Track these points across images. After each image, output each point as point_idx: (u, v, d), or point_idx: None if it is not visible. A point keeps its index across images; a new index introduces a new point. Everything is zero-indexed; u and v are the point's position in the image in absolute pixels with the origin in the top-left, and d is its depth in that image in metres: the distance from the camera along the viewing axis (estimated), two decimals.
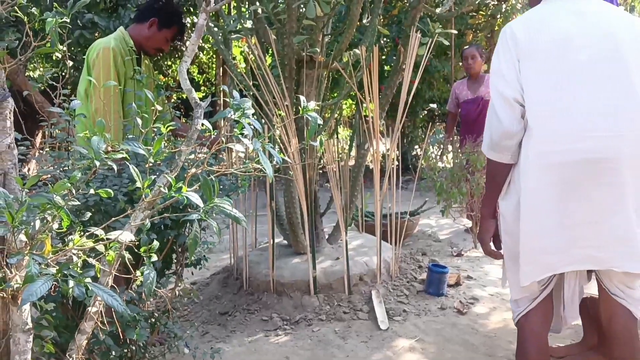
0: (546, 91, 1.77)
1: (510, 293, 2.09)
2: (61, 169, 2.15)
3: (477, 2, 6.94)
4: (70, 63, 2.21)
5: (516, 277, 1.91)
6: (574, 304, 2.12)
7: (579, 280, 2.09)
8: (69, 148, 2.40)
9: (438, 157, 5.50)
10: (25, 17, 1.63)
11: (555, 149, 1.74)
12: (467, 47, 5.30)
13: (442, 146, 5.55)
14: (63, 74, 2.17)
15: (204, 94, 14.01)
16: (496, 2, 6.97)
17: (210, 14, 1.95)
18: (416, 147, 9.66)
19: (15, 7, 1.58)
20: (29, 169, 6.99)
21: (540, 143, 1.76)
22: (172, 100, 3.16)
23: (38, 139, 7.36)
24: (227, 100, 1.57)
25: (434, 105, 9.21)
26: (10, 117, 1.53)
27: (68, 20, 1.48)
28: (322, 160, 3.97)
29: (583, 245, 1.78)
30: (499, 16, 7.01)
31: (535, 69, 1.79)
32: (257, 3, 3.43)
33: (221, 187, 2.46)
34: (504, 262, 2.10)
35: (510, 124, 1.79)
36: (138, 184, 1.41)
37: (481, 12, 7.35)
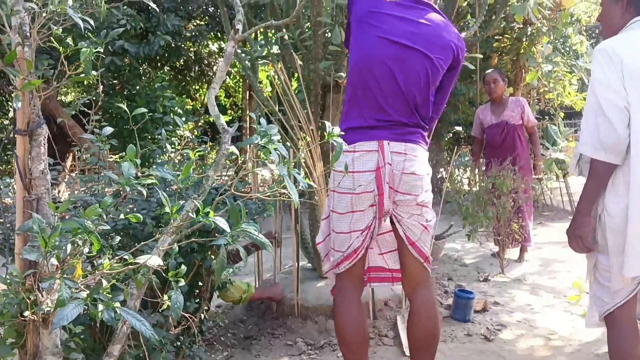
0: None
1: (605, 289, 2.18)
2: (92, 193, 2.19)
3: (502, 26, 6.96)
4: (100, 88, 2.27)
5: (621, 269, 2.07)
6: None
7: None
8: (99, 172, 2.45)
9: (468, 179, 5.45)
10: (60, 46, 1.69)
11: None
12: (488, 71, 5.27)
13: (469, 170, 5.50)
14: (94, 99, 2.23)
15: (230, 117, 14.18)
16: (521, 26, 6.94)
17: (238, 41, 1.99)
18: (441, 169, 9.60)
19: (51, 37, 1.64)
20: (59, 191, 7.12)
21: None
22: (200, 125, 3.22)
23: (68, 162, 7.51)
24: (254, 125, 1.59)
25: (459, 128, 9.17)
26: (44, 144, 1.57)
27: (102, 50, 1.52)
28: None
29: None
30: (524, 39, 6.98)
31: (638, 87, 2.01)
32: (284, 29, 3.48)
33: (247, 210, 2.48)
34: (590, 257, 2.26)
35: (623, 130, 1.99)
36: (167, 209, 1.43)
37: (506, 36, 7.32)
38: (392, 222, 2.35)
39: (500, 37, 7.39)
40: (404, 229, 2.29)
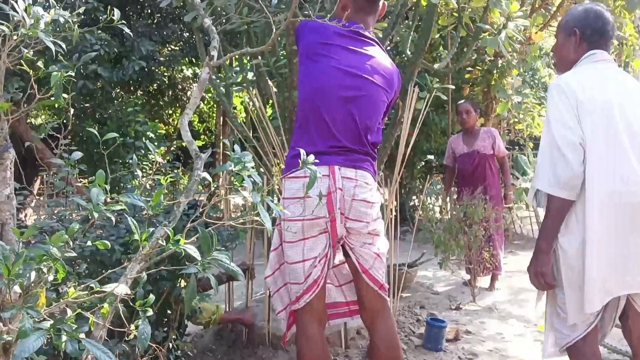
0: (602, 145, 2.05)
1: (564, 321, 2.18)
2: (59, 219, 2.14)
3: (473, 58, 7.10)
4: (71, 111, 2.23)
5: (578, 304, 2.09)
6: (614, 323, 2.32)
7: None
8: (67, 196, 2.40)
9: (440, 208, 5.48)
10: (30, 70, 1.66)
11: (614, 189, 2.03)
12: (461, 102, 5.36)
13: (440, 199, 5.55)
14: (64, 122, 2.19)
15: (203, 143, 14.12)
16: (492, 58, 7.10)
17: (213, 67, 1.99)
18: (414, 197, 9.66)
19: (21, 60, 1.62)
20: (25, 215, 6.96)
21: (600, 185, 2.03)
22: (172, 150, 3.19)
23: (36, 185, 7.36)
24: (227, 152, 1.58)
25: (432, 157, 9.28)
26: (10, 168, 1.54)
27: (73, 74, 1.50)
28: None
29: (635, 273, 2.07)
30: (495, 71, 7.14)
31: (594, 122, 2.06)
32: (259, 57, 3.49)
33: (219, 237, 2.45)
34: (547, 293, 2.30)
35: (578, 166, 2.03)
36: (136, 236, 1.40)
37: (478, 68, 7.48)
38: (345, 252, 2.34)
39: (472, 69, 7.55)
40: (356, 257, 2.29)
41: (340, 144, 2.24)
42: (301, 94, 2.34)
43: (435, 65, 3.94)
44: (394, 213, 3.62)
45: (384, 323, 2.33)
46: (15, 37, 1.56)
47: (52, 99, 1.56)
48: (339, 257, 2.40)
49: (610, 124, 2.07)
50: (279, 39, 3.68)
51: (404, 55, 3.75)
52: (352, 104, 2.25)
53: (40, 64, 1.57)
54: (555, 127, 2.09)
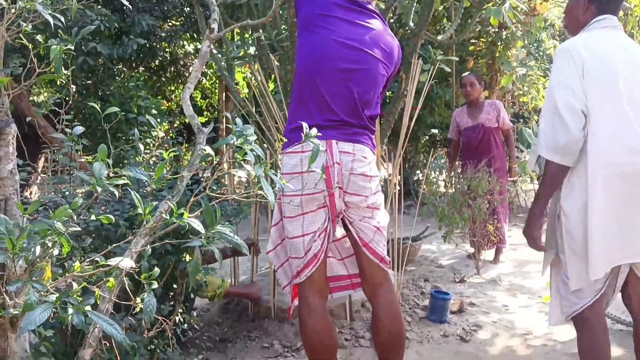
0: (608, 114, 2.03)
1: (569, 285, 2.18)
2: (62, 195, 2.14)
3: (477, 30, 7.02)
4: (73, 88, 2.22)
5: (581, 270, 2.11)
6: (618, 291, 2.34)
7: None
8: (71, 173, 2.40)
9: (444, 182, 5.48)
10: (30, 44, 1.64)
11: (620, 160, 2.02)
12: (465, 74, 5.31)
13: (444, 172, 5.54)
14: (66, 99, 2.18)
15: (206, 119, 14.07)
16: (496, 30, 7.02)
17: (214, 40, 1.97)
18: (418, 172, 9.65)
19: (20, 35, 1.60)
20: (30, 193, 6.98)
21: (606, 155, 2.03)
22: (175, 125, 3.18)
23: (41, 163, 7.36)
24: (230, 126, 1.57)
25: (436, 131, 9.23)
26: (13, 143, 1.53)
27: (72, 48, 1.49)
28: None
29: (637, 242, 2.09)
30: (499, 43, 7.06)
31: (600, 90, 2.04)
32: (260, 30, 3.46)
33: (223, 212, 2.45)
34: (547, 255, 2.33)
35: (577, 132, 2.01)
36: (139, 210, 1.40)
37: (482, 39, 7.39)
38: (345, 226, 2.35)
39: (476, 41, 7.47)
40: (356, 231, 2.29)
41: (337, 117, 2.22)
42: (298, 66, 2.32)
43: (439, 37, 3.90)
44: (397, 187, 3.62)
45: (385, 295, 2.34)
46: (13, 11, 1.54)
47: (53, 73, 1.55)
48: (340, 231, 2.40)
49: (616, 93, 2.06)
50: (280, 11, 3.64)
51: (407, 27, 3.70)
52: (350, 77, 2.23)
53: (39, 38, 1.56)
54: (558, 92, 2.08)
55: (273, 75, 3.54)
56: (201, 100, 13.90)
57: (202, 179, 2.41)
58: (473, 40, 7.44)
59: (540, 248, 2.22)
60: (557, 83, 2.10)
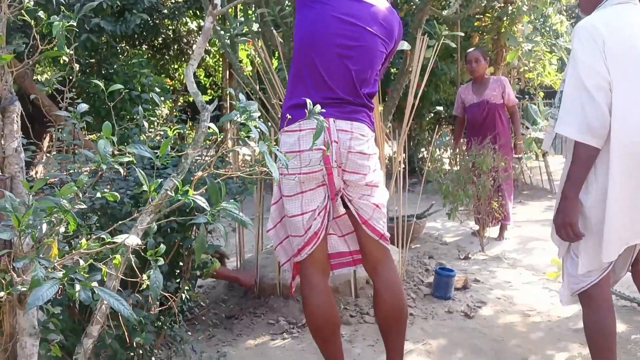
0: (627, 92, 2.01)
1: (577, 267, 2.17)
2: (67, 172, 2.15)
3: (483, 5, 6.93)
4: (77, 66, 2.21)
5: (593, 253, 2.11)
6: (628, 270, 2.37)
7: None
8: (76, 151, 2.40)
9: (449, 159, 5.46)
10: (33, 21, 1.63)
11: (635, 140, 2.01)
12: (470, 50, 5.25)
13: (450, 149, 5.52)
14: (70, 77, 2.17)
15: (210, 97, 14.02)
16: (502, 5, 6.94)
17: (217, 17, 1.95)
18: (422, 149, 9.62)
19: (23, 11, 1.59)
20: (36, 172, 7.00)
21: (623, 134, 2.01)
22: (179, 104, 3.16)
23: (46, 142, 7.37)
24: (234, 103, 1.56)
25: (441, 108, 9.18)
26: (17, 121, 1.53)
27: (75, 24, 1.48)
28: None
29: None
30: (505, 18, 6.97)
31: (620, 68, 2.01)
32: (264, 6, 3.43)
33: (228, 190, 2.46)
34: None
35: (608, 114, 1.99)
36: (145, 187, 1.40)
37: (487, 15, 7.31)
38: (344, 204, 2.35)
39: (482, 16, 7.39)
40: (355, 209, 2.28)
41: (334, 95, 2.20)
42: (296, 42, 2.29)
43: (444, 12, 3.85)
44: (402, 165, 3.61)
45: (386, 271, 2.34)
46: None
47: (55, 50, 1.54)
48: (341, 208, 2.40)
49: (636, 71, 2.03)
50: None
51: (411, 2, 3.66)
52: (347, 55, 2.20)
53: (42, 15, 1.55)
54: (583, 70, 2.02)
55: (277, 52, 3.51)
56: (205, 79, 13.83)
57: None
58: (478, 16, 7.37)
59: (577, 235, 2.11)
60: (580, 62, 2.04)
